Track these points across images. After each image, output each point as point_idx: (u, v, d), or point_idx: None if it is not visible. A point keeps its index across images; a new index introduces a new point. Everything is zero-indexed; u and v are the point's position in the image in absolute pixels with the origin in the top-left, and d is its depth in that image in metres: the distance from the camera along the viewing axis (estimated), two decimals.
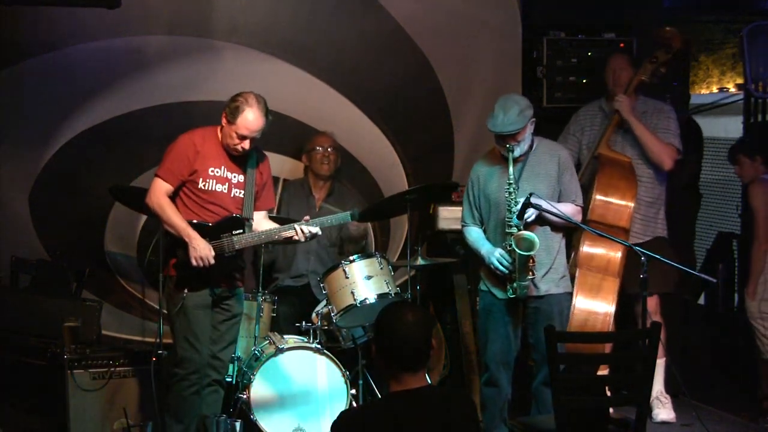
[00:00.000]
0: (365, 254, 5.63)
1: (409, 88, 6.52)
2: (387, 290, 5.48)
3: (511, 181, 4.95)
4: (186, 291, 4.97)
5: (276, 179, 5.92)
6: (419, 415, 3.25)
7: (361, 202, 6.23)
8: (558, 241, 5.16)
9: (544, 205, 4.96)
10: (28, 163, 6.10)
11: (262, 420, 5.31)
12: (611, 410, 4.97)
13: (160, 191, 4.98)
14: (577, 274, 5.39)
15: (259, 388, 5.34)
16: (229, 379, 5.33)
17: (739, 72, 8.75)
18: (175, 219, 4.94)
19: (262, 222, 5.18)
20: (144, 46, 6.09)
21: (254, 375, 5.31)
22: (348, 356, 5.68)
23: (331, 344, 5.67)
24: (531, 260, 4.92)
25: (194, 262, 4.89)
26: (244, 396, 5.30)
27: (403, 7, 6.38)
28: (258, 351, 5.50)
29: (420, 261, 5.84)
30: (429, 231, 6.47)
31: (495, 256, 5.01)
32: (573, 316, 5.31)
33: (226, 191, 5.04)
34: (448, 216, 6.32)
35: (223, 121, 4.98)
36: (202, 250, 4.89)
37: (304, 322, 5.57)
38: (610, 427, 4.36)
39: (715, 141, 8.45)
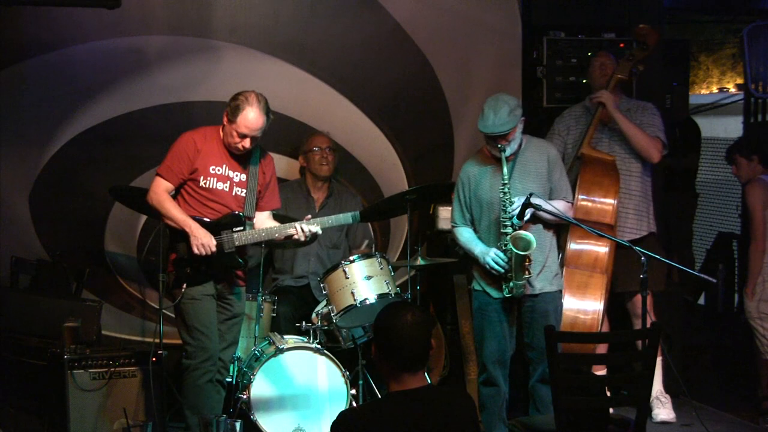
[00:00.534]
0: (365, 254, 5.63)
1: (409, 88, 6.52)
2: (387, 290, 5.48)
3: (506, 181, 4.96)
4: (185, 286, 4.99)
5: (280, 180, 5.92)
6: (419, 415, 3.25)
7: (360, 202, 6.23)
8: (550, 239, 5.18)
9: (544, 205, 4.98)
10: (28, 163, 6.10)
11: (262, 420, 5.31)
12: (611, 410, 4.97)
13: (160, 189, 5.01)
14: (564, 273, 5.40)
15: (259, 388, 5.33)
16: (229, 380, 5.34)
17: (739, 72, 8.78)
18: (174, 212, 4.97)
19: (266, 222, 5.19)
20: (144, 46, 6.09)
21: (254, 375, 5.31)
22: (348, 356, 5.68)
23: (331, 344, 5.67)
24: (527, 259, 4.94)
25: (196, 250, 4.90)
26: (244, 396, 5.30)
27: (403, 7, 6.38)
28: (258, 351, 5.51)
29: (420, 261, 5.84)
30: (429, 231, 6.48)
31: (490, 255, 5.02)
32: (562, 317, 5.32)
33: (227, 189, 5.06)
34: (448, 216, 6.27)
35: (224, 119, 5.01)
36: (203, 237, 4.92)
37: (304, 323, 5.57)
38: (610, 427, 4.35)
39: (715, 141, 8.46)
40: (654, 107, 5.99)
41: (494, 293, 5.11)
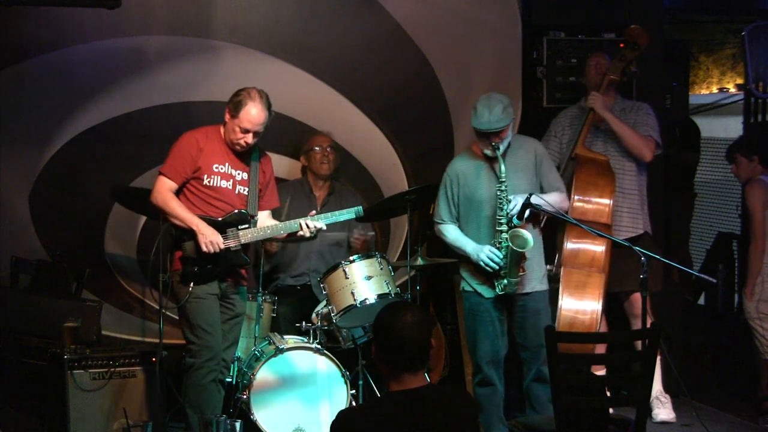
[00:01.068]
0: (365, 254, 5.63)
1: (409, 88, 6.52)
2: (387, 290, 5.48)
3: (503, 179, 4.97)
4: (192, 285, 5.00)
5: (279, 180, 5.93)
6: (419, 414, 3.25)
7: (361, 201, 6.23)
8: (540, 238, 5.21)
9: (544, 205, 4.99)
10: (28, 163, 6.10)
11: (262, 420, 5.31)
12: (611, 410, 4.97)
13: (164, 188, 5.02)
14: (561, 273, 5.40)
15: (259, 388, 5.34)
16: (228, 380, 5.34)
17: (739, 72, 8.77)
18: (180, 211, 4.98)
19: (266, 221, 5.22)
20: (144, 46, 6.09)
21: (254, 375, 5.31)
22: (348, 356, 5.68)
23: (331, 344, 5.67)
24: (523, 257, 4.95)
25: (204, 248, 4.92)
26: (244, 396, 5.30)
27: (402, 7, 6.38)
28: (258, 351, 5.51)
29: (420, 261, 5.84)
30: (429, 231, 6.46)
31: (485, 253, 5.02)
32: (560, 317, 5.33)
33: (230, 188, 5.08)
34: None
35: (227, 116, 5.04)
36: (211, 235, 4.94)
37: (304, 323, 5.57)
38: (610, 427, 4.35)
39: (715, 141, 8.46)
40: (649, 107, 6.00)
41: (486, 292, 5.12)
